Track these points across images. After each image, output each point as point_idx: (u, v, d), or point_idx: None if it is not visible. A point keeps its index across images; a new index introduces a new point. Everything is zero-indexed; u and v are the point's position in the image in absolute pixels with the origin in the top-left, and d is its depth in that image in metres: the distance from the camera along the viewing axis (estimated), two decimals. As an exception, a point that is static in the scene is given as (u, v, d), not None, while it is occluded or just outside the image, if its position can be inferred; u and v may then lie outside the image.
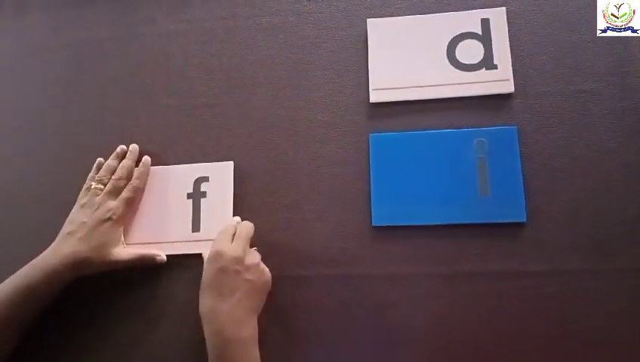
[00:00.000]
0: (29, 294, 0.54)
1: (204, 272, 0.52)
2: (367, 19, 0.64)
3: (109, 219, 0.57)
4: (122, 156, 0.63)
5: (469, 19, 0.62)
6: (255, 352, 0.50)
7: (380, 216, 0.57)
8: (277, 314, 0.56)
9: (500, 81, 0.59)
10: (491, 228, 0.55)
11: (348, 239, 0.57)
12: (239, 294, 0.50)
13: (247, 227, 0.56)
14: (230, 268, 0.50)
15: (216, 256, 0.51)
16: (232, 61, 0.66)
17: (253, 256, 0.53)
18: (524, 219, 0.55)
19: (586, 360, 0.51)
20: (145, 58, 0.68)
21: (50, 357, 0.59)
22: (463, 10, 0.62)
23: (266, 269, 0.54)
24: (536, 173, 0.56)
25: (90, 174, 0.62)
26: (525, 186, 0.55)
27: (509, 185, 0.56)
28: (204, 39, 0.68)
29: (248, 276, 0.51)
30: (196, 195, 0.61)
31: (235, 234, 0.54)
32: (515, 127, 0.57)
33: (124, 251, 0.58)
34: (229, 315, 0.49)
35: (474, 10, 0.62)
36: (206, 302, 0.51)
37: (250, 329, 0.51)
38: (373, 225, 0.57)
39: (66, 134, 0.67)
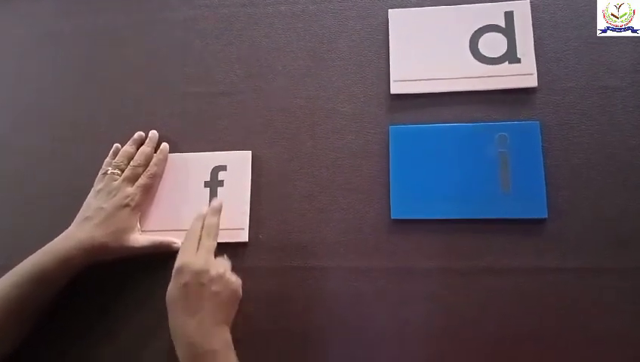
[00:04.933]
0: (41, 280, 0.53)
1: (169, 286, 0.51)
2: (389, 10, 0.63)
3: (127, 205, 0.57)
4: (139, 142, 0.62)
5: (493, 12, 0.61)
6: (231, 357, 0.49)
7: (399, 209, 0.57)
8: (292, 305, 0.56)
9: (524, 75, 0.58)
10: (512, 224, 0.55)
11: (366, 231, 0.57)
12: (206, 308, 0.49)
13: (211, 234, 0.54)
14: (194, 282, 0.49)
15: (179, 270, 0.50)
16: (250, 49, 0.65)
17: (218, 267, 0.51)
18: (545, 216, 0.54)
19: (606, 359, 0.51)
20: (162, 45, 0.68)
21: (62, 348, 0.58)
22: (487, 2, 0.61)
23: (233, 278, 0.53)
24: (558, 169, 0.55)
25: (107, 159, 0.61)
26: (547, 182, 0.55)
27: (530, 180, 0.55)
28: (222, 26, 0.67)
29: (214, 288, 0.50)
30: (213, 184, 0.60)
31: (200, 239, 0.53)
32: (537, 122, 0.57)
33: (140, 237, 0.58)
34: (198, 330, 0.48)
35: (497, 3, 0.61)
36: (174, 319, 0.50)
37: (221, 340, 0.49)
38: (391, 218, 0.57)
39: (81, 122, 0.66)
